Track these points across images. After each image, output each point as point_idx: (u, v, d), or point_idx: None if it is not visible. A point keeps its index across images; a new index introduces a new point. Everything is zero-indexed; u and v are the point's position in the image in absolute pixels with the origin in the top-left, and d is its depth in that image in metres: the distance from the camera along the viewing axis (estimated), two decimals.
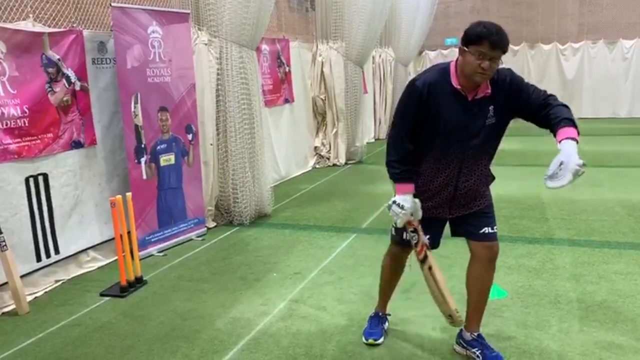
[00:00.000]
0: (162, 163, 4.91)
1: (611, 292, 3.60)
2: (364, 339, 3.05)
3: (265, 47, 7.46)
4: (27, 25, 3.92)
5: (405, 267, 2.99)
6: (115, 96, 4.60)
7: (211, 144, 5.45)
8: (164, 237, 4.93)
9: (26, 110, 3.87)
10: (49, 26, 4.15)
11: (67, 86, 4.18)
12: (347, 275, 4.09)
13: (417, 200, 2.64)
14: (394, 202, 2.63)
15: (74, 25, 4.38)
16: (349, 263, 4.34)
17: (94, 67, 4.48)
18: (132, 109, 4.59)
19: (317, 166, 8.95)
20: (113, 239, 4.29)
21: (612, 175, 7.24)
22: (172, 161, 5.01)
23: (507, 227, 5.10)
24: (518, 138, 11.40)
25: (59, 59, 4.10)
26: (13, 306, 3.70)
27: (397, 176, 2.65)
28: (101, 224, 4.58)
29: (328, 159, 9.04)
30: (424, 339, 3.08)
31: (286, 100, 8.10)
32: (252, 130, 5.63)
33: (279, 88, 7.89)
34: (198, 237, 5.22)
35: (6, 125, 3.73)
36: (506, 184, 6.78)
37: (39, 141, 3.98)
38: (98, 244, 4.58)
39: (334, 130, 8.92)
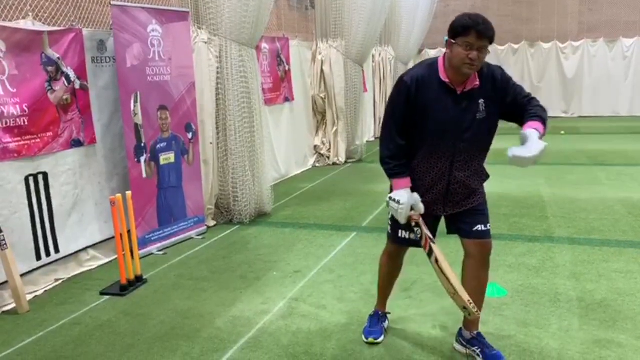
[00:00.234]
0: (162, 162, 4.91)
1: (611, 290, 3.60)
2: (364, 338, 3.05)
3: (265, 45, 7.46)
4: (27, 24, 3.91)
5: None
6: (115, 95, 4.59)
7: (211, 143, 5.45)
8: (164, 236, 4.94)
9: (26, 109, 3.87)
10: (49, 25, 4.15)
11: (66, 85, 4.18)
12: (347, 273, 4.09)
13: (415, 194, 2.65)
14: (390, 198, 2.64)
15: (74, 24, 4.38)
16: (349, 262, 4.34)
17: (94, 66, 4.48)
18: (132, 108, 4.59)
19: (317, 165, 8.95)
20: (113, 237, 4.29)
21: (612, 173, 7.24)
22: (172, 160, 5.01)
23: (507, 226, 5.10)
24: (518, 137, 11.41)
25: (58, 58, 4.09)
26: (13, 305, 3.70)
27: (391, 172, 2.67)
28: (101, 223, 4.58)
29: (328, 157, 9.04)
30: (424, 337, 3.08)
31: (286, 99, 8.10)
32: (251, 129, 5.63)
33: (279, 87, 7.89)
34: (198, 235, 5.22)
35: (6, 124, 3.73)
36: (506, 183, 6.78)
37: (38, 140, 3.98)
38: (98, 243, 4.58)
39: (334, 129, 8.92)
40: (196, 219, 5.28)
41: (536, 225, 5.09)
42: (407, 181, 2.66)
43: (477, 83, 2.54)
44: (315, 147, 9.12)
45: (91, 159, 4.49)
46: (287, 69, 8.10)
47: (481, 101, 2.55)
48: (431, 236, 2.68)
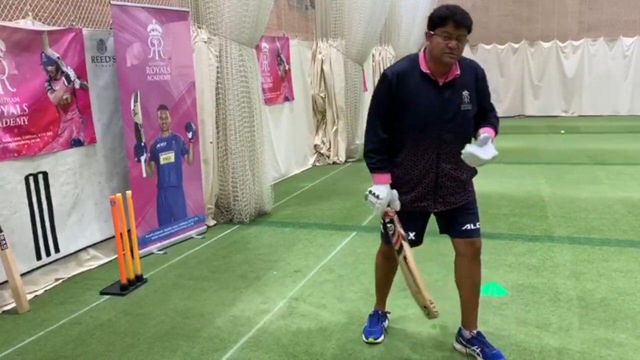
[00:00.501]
0: (162, 161, 4.91)
1: (611, 289, 3.60)
2: (364, 338, 3.05)
3: (265, 45, 7.46)
4: (27, 23, 3.91)
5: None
6: (115, 94, 4.59)
7: (211, 142, 5.45)
8: (164, 236, 4.94)
9: (26, 108, 3.87)
10: (49, 24, 4.15)
11: (66, 84, 4.18)
12: (347, 273, 4.09)
13: (394, 191, 2.69)
14: (370, 191, 2.68)
15: (74, 23, 4.38)
16: (349, 261, 4.34)
17: (94, 65, 4.48)
18: (132, 107, 4.59)
19: (317, 164, 8.95)
20: (113, 237, 4.29)
21: (612, 173, 7.24)
22: (172, 159, 5.01)
23: (507, 225, 5.10)
24: (518, 136, 11.41)
25: (58, 58, 4.09)
26: (13, 304, 3.70)
27: (373, 166, 2.72)
28: (101, 223, 4.58)
29: (328, 157, 9.04)
30: (423, 337, 3.08)
31: (286, 99, 8.10)
32: (251, 129, 5.63)
33: (279, 86, 7.88)
34: (198, 235, 5.22)
35: (6, 123, 3.73)
36: (506, 182, 6.78)
37: (38, 139, 3.98)
38: (98, 242, 4.58)
39: (334, 128, 8.92)
40: (196, 219, 5.28)
41: (536, 225, 5.09)
42: (387, 177, 2.70)
43: (458, 72, 2.60)
44: (315, 146, 9.12)
45: (91, 158, 4.49)
46: (287, 68, 8.10)
47: (465, 92, 2.60)
48: (404, 234, 2.70)
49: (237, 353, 3.01)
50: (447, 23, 2.45)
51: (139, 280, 4.06)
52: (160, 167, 4.89)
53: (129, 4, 4.59)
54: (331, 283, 3.92)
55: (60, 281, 4.16)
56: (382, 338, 3.04)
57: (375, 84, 2.83)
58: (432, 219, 2.85)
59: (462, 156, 2.51)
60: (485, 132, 2.57)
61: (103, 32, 4.61)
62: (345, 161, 8.93)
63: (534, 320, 3.21)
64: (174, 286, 4.01)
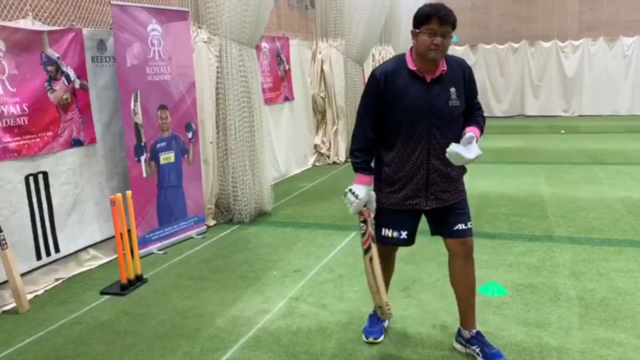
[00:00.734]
0: (162, 161, 4.91)
1: (611, 289, 3.60)
2: (364, 338, 3.05)
3: (265, 45, 7.46)
4: (27, 23, 3.91)
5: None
6: (115, 94, 4.60)
7: (211, 142, 5.45)
8: (164, 235, 4.94)
9: (26, 108, 3.87)
10: (49, 24, 4.15)
11: (66, 84, 4.18)
12: (347, 273, 4.09)
13: (373, 192, 2.76)
14: (350, 190, 2.74)
15: (74, 23, 4.38)
16: (349, 261, 4.34)
17: (94, 65, 4.48)
18: (132, 107, 4.59)
19: (317, 164, 8.95)
20: (113, 237, 4.29)
21: (612, 173, 7.24)
22: (172, 159, 5.02)
23: (507, 225, 5.11)
24: (518, 136, 11.41)
25: (58, 57, 4.09)
26: (13, 304, 3.70)
27: (358, 166, 2.77)
28: (101, 222, 4.58)
29: (328, 156, 9.04)
30: (423, 337, 3.08)
31: (286, 98, 8.10)
32: (251, 129, 5.63)
33: (279, 86, 7.89)
34: (198, 235, 5.22)
35: (6, 123, 3.73)
36: (506, 182, 6.78)
37: (38, 139, 3.98)
38: (98, 242, 4.58)
39: (334, 128, 8.92)
40: (196, 219, 5.28)
41: (536, 225, 5.09)
42: (369, 179, 2.76)
43: (445, 68, 2.63)
44: (315, 146, 9.12)
45: (91, 158, 4.50)
46: (287, 68, 8.10)
47: (453, 89, 2.64)
48: (374, 235, 2.77)
49: (237, 353, 3.01)
50: (432, 20, 2.50)
51: (139, 280, 4.06)
52: (160, 167, 4.89)
53: (129, 4, 4.59)
54: (331, 283, 3.92)
55: (60, 281, 4.16)
56: (382, 338, 3.04)
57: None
58: (424, 219, 2.86)
59: (447, 155, 2.56)
60: (470, 132, 2.61)
61: (103, 32, 4.61)
62: (345, 161, 8.92)
63: (534, 320, 3.21)
64: (174, 286, 4.01)
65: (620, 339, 2.96)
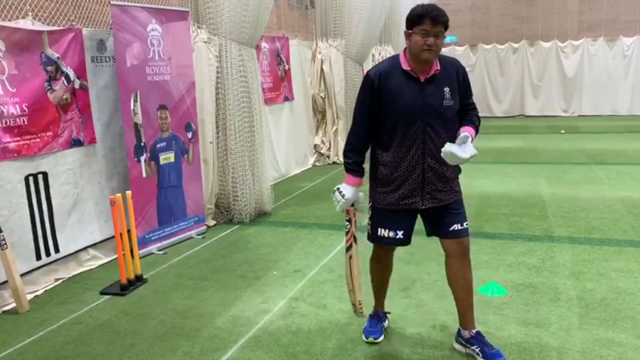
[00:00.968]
0: (162, 161, 4.91)
1: (611, 289, 3.60)
2: (364, 338, 3.05)
3: (264, 45, 7.46)
4: (27, 23, 3.91)
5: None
6: (115, 94, 4.60)
7: (211, 142, 5.45)
8: (164, 236, 4.94)
9: (25, 108, 3.86)
10: (48, 24, 4.15)
11: (66, 84, 4.18)
12: None
13: (361, 193, 2.85)
14: (338, 189, 2.81)
15: (73, 23, 4.38)
16: None
17: (94, 65, 4.48)
18: (132, 107, 4.59)
19: (317, 164, 8.95)
20: (113, 237, 4.29)
21: (612, 173, 7.24)
22: (172, 159, 5.01)
23: (507, 225, 5.10)
24: (518, 136, 11.41)
25: (58, 58, 4.09)
26: (13, 305, 3.70)
27: (349, 166, 2.83)
28: (101, 223, 4.58)
29: (328, 156, 9.04)
30: (423, 337, 3.08)
31: (286, 98, 8.10)
32: (251, 129, 5.63)
33: (279, 86, 7.88)
34: (198, 235, 5.22)
35: (5, 123, 3.73)
36: (506, 182, 6.78)
37: (38, 139, 3.98)
38: (98, 243, 4.58)
39: (334, 128, 8.92)
40: (196, 219, 5.28)
41: (536, 225, 5.09)
42: (358, 181, 2.84)
43: (438, 68, 2.65)
44: (315, 146, 9.12)
45: (91, 158, 4.49)
46: (286, 68, 8.10)
47: (446, 89, 2.65)
48: (356, 235, 2.89)
49: (237, 353, 3.01)
50: (424, 21, 2.52)
51: (138, 280, 4.05)
52: (160, 167, 4.89)
53: (129, 4, 4.59)
54: (331, 283, 3.92)
55: (60, 281, 4.16)
56: (381, 338, 3.04)
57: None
58: (419, 220, 2.85)
59: (442, 154, 2.59)
60: (465, 131, 2.63)
61: (103, 32, 4.61)
62: None
63: (533, 320, 3.21)
64: (174, 286, 4.01)
65: (620, 339, 2.96)
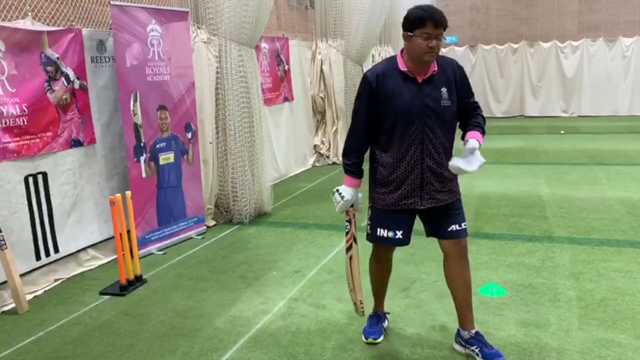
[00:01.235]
0: (162, 162, 4.91)
1: (610, 290, 3.60)
2: (363, 338, 3.05)
3: (264, 45, 7.46)
4: (26, 23, 3.91)
5: None
6: (115, 95, 4.60)
7: (210, 143, 5.45)
8: (163, 236, 4.94)
9: (25, 108, 3.86)
10: (48, 25, 4.15)
11: (66, 85, 4.18)
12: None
13: (360, 194, 2.87)
14: (337, 190, 2.84)
15: (73, 23, 4.38)
16: None
17: (93, 66, 4.48)
18: (132, 108, 4.59)
19: (317, 164, 8.95)
20: (113, 237, 4.29)
21: (612, 173, 7.24)
22: (172, 160, 5.01)
23: (506, 225, 5.11)
24: (518, 136, 11.42)
25: (58, 58, 4.09)
26: (13, 305, 3.70)
27: (348, 168, 2.85)
28: (101, 223, 4.58)
29: (328, 157, 9.04)
30: (423, 337, 3.08)
31: (286, 99, 8.10)
32: (251, 129, 5.63)
33: (279, 86, 7.89)
34: (198, 235, 5.22)
35: (5, 124, 3.73)
36: (506, 182, 6.78)
37: (38, 140, 3.98)
38: (98, 243, 4.58)
39: (334, 128, 8.92)
40: (196, 219, 5.28)
41: (536, 225, 5.09)
42: (357, 182, 2.87)
43: (436, 69, 2.65)
44: (315, 146, 9.12)
45: (91, 158, 4.49)
46: (286, 68, 8.10)
47: (444, 89, 2.65)
48: (356, 236, 2.91)
49: (236, 353, 3.01)
50: (427, 24, 2.51)
51: (138, 280, 4.05)
52: (159, 167, 4.89)
53: (129, 4, 4.59)
54: (331, 283, 3.92)
55: (59, 281, 4.16)
56: (381, 338, 3.04)
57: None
58: (419, 221, 2.85)
59: (449, 167, 2.63)
60: (472, 139, 2.64)
61: (103, 32, 4.61)
62: None
63: (533, 321, 3.21)
64: (173, 286, 4.01)
65: (620, 339, 2.96)
